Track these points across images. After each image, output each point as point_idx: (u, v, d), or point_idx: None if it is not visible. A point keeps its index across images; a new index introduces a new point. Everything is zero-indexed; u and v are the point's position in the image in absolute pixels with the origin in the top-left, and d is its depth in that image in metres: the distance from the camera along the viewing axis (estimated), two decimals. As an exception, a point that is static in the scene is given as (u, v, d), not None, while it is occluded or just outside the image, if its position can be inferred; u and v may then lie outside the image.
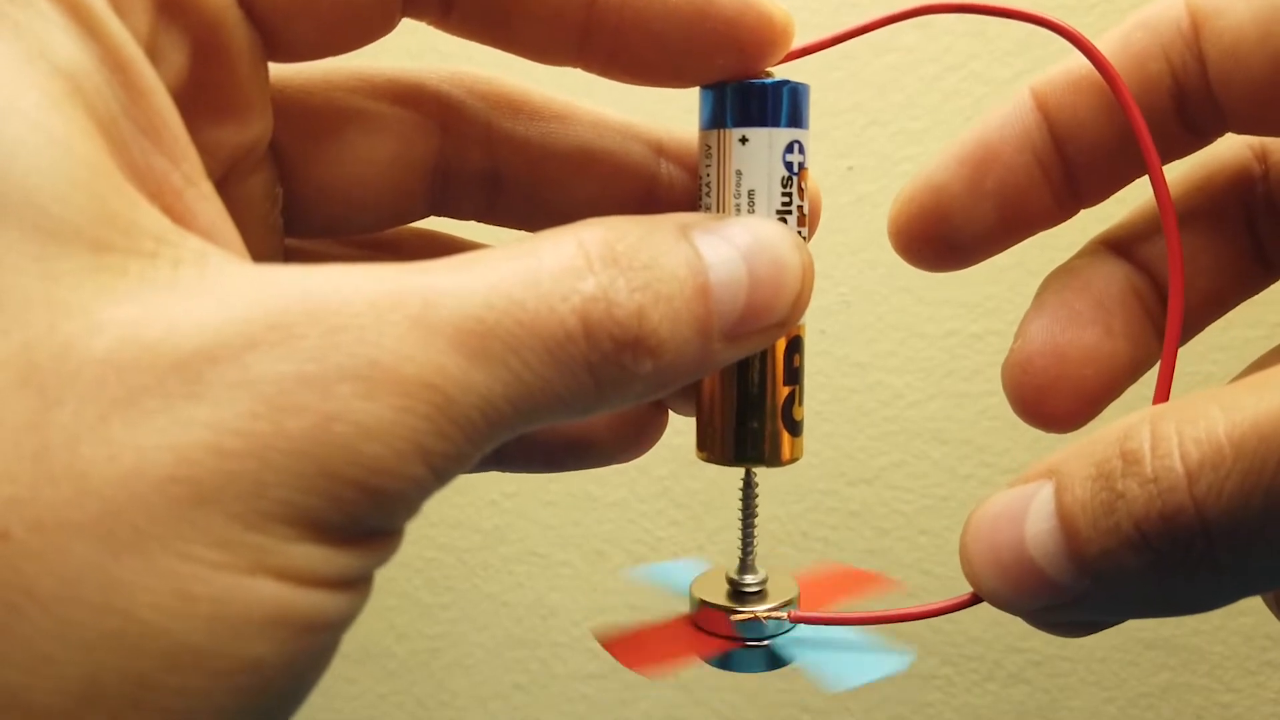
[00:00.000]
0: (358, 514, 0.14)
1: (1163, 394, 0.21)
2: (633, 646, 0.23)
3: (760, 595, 0.23)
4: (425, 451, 0.14)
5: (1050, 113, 0.21)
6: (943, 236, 0.22)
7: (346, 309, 0.13)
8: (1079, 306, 0.22)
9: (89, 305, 0.13)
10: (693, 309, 0.16)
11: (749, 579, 0.23)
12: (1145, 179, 0.22)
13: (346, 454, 0.13)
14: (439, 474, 0.14)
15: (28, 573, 0.12)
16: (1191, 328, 0.23)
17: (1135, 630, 0.47)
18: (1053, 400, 0.22)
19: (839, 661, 0.22)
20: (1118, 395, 0.22)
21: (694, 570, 0.24)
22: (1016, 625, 0.51)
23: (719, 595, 0.23)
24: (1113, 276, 0.23)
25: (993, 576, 0.18)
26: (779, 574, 0.23)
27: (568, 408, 0.16)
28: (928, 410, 0.49)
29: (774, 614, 0.22)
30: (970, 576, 0.19)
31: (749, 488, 0.23)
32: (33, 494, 0.12)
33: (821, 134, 0.46)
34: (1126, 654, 0.48)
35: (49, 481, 0.12)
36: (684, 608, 0.23)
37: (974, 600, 0.19)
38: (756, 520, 0.23)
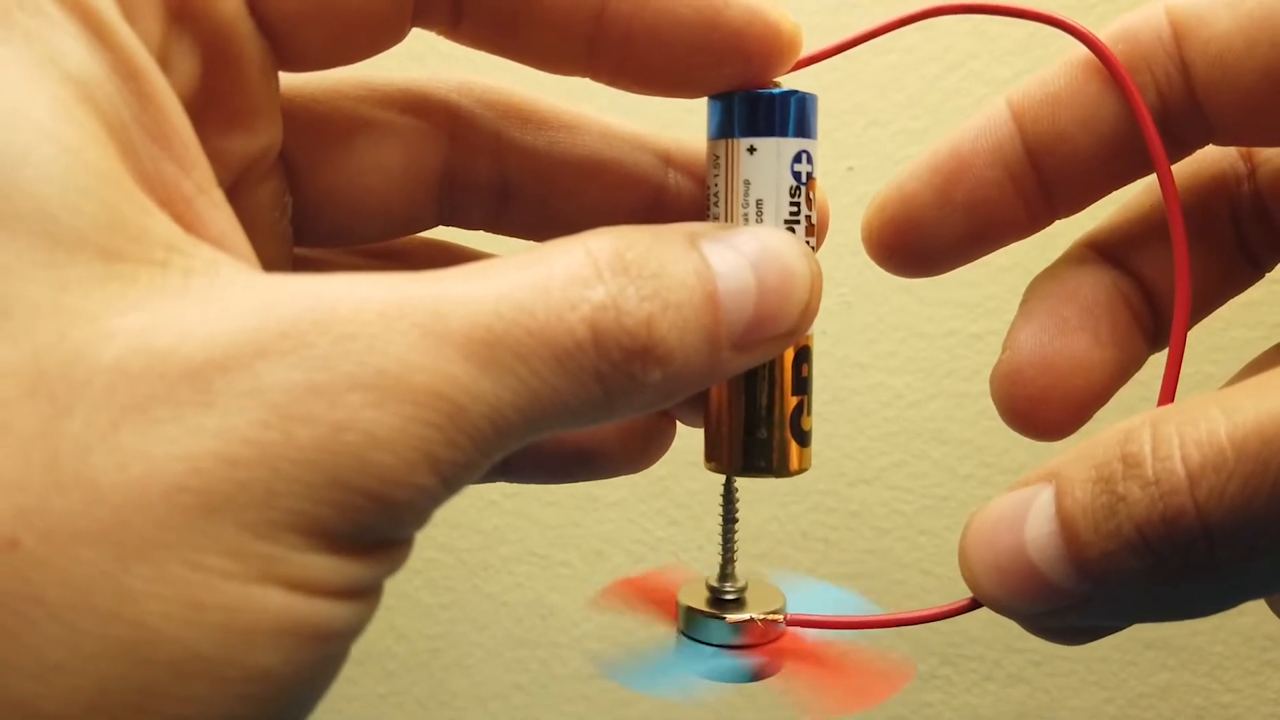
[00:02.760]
0: (367, 523, 0.14)
1: (1167, 397, 0.21)
2: (631, 588, 0.23)
3: (739, 603, 0.23)
4: (434, 460, 0.14)
5: (1026, 125, 0.21)
6: (912, 244, 0.22)
7: (356, 318, 0.13)
8: (1066, 314, 0.22)
9: (99, 313, 0.13)
10: (701, 318, 0.16)
11: (728, 586, 0.23)
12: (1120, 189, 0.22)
13: (356, 463, 0.13)
14: (448, 483, 0.14)
15: (37, 581, 0.12)
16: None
17: (1135, 630, 0.47)
18: (1043, 410, 0.22)
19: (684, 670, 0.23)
20: (1107, 401, 0.22)
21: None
22: (1016, 625, 0.51)
23: (699, 601, 0.23)
24: (1099, 281, 0.23)
25: (992, 581, 0.18)
26: (759, 583, 0.24)
27: (576, 417, 0.15)
28: (928, 410, 0.49)
29: (771, 617, 0.22)
30: (969, 581, 0.19)
31: (729, 495, 0.23)
32: (42, 503, 0.12)
33: (822, 135, 0.46)
34: (1126, 654, 0.48)
35: (59, 490, 0.12)
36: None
37: (973, 605, 0.19)
38: (737, 527, 0.24)
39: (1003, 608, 0.19)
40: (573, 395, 0.15)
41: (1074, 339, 0.22)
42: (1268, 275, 0.23)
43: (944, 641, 0.50)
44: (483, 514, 0.53)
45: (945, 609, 0.20)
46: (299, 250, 0.21)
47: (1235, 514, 0.15)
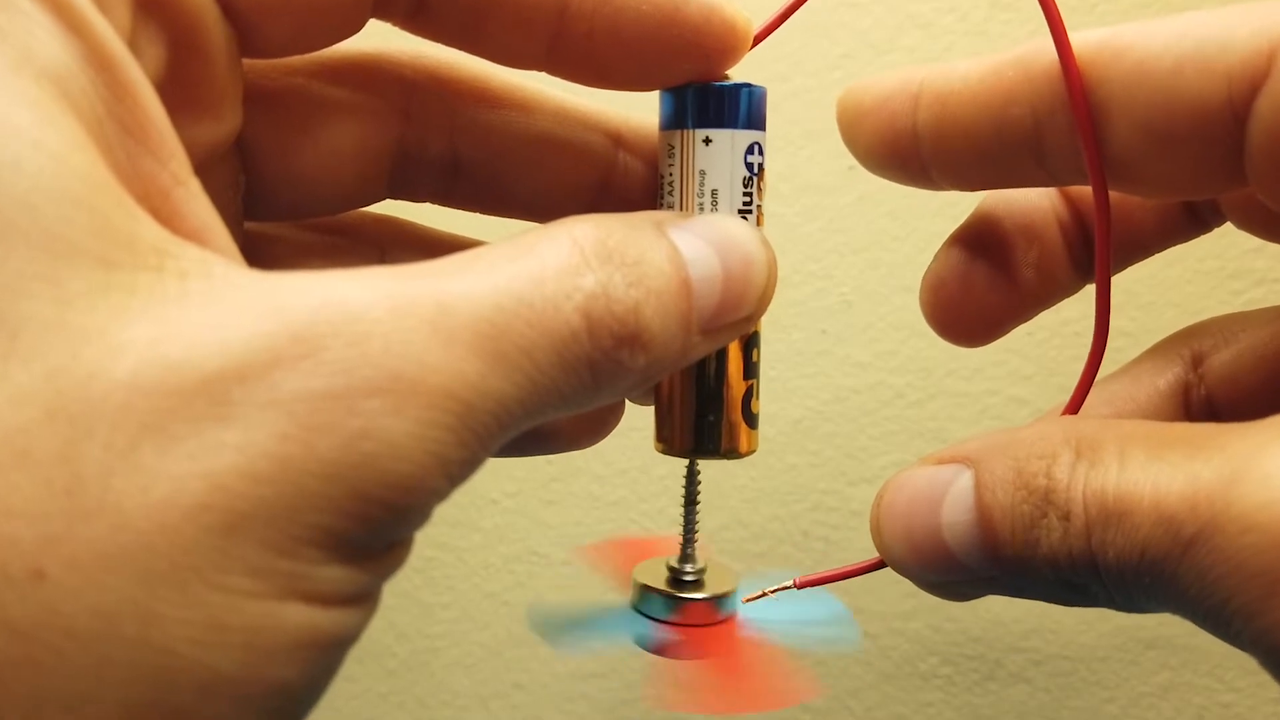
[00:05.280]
0: (383, 531, 0.14)
1: (1074, 407, 0.21)
2: (618, 550, 0.24)
3: (697, 584, 0.24)
4: (446, 463, 0.14)
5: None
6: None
7: (367, 316, 0.13)
8: (1000, 233, 0.23)
9: (106, 327, 0.12)
10: (678, 304, 0.17)
11: (688, 568, 0.24)
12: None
13: (376, 474, 0.13)
14: (454, 482, 0.14)
15: (66, 612, 0.12)
16: (1113, 267, 0.23)
17: (1136, 630, 0.47)
18: (960, 321, 0.23)
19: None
20: (1027, 319, 0.23)
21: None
22: (1018, 625, 0.51)
23: (659, 581, 0.24)
24: (1038, 206, 0.23)
25: (905, 552, 0.19)
26: (717, 565, 0.25)
27: (566, 404, 0.16)
28: (929, 410, 0.49)
29: (784, 588, 0.23)
30: (880, 548, 0.20)
31: (692, 478, 0.24)
32: (67, 531, 0.12)
33: (823, 134, 0.46)
34: (1127, 654, 0.48)
35: (83, 517, 0.12)
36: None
37: (880, 565, 0.21)
38: (699, 510, 0.24)
39: (909, 575, 0.20)
40: (566, 383, 0.15)
41: (997, 259, 0.23)
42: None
43: (945, 641, 0.50)
44: (483, 513, 0.53)
45: (854, 568, 0.23)
46: (248, 225, 0.21)
47: (1118, 566, 0.17)
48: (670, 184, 0.20)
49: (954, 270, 0.23)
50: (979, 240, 0.23)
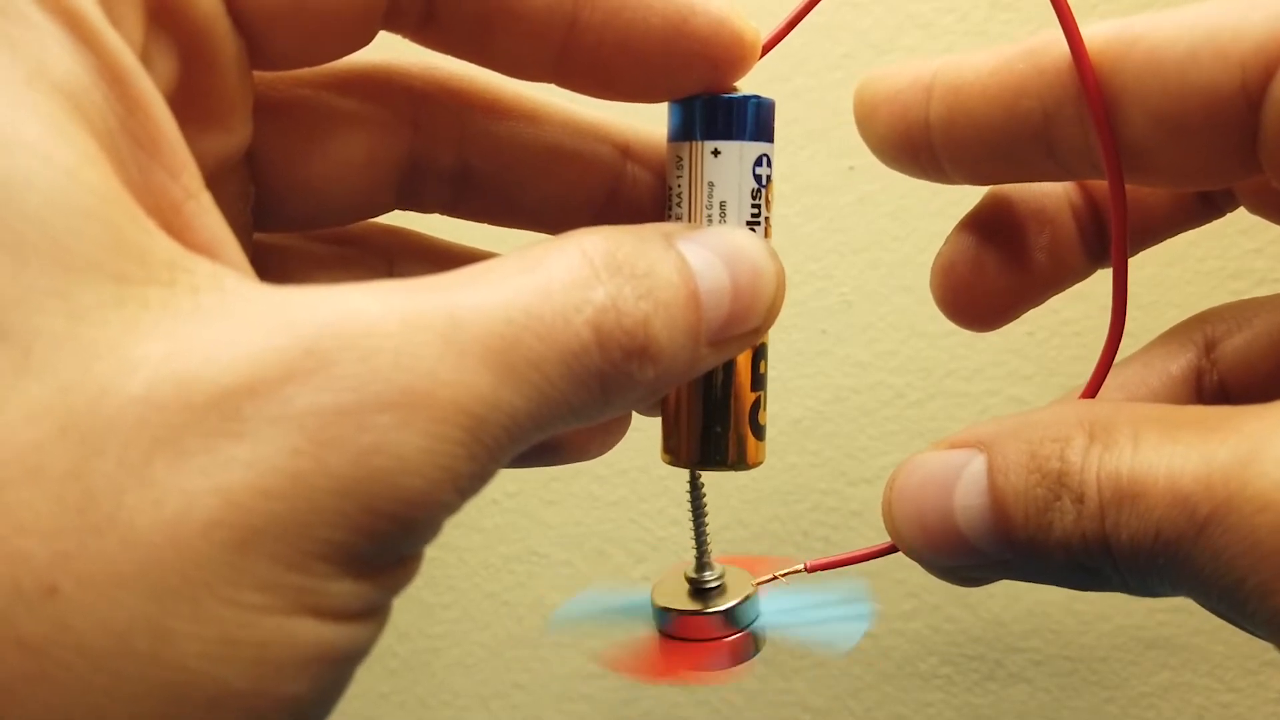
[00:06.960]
0: (393, 545, 0.14)
1: (1091, 390, 0.21)
2: (641, 661, 0.23)
3: (720, 590, 0.24)
4: (456, 477, 0.14)
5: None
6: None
7: (378, 330, 0.13)
8: (1012, 217, 0.23)
9: (118, 342, 0.12)
10: (687, 316, 0.17)
11: (707, 575, 0.24)
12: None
13: (387, 489, 0.13)
14: (465, 495, 0.14)
15: (78, 629, 0.12)
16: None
17: (1136, 630, 0.47)
18: (971, 304, 0.23)
19: (824, 626, 0.24)
20: (1038, 304, 0.23)
21: (607, 598, 0.25)
22: (1018, 625, 0.51)
23: (681, 598, 0.24)
24: (1050, 189, 0.23)
25: (917, 537, 0.19)
26: (731, 569, 0.25)
27: (576, 416, 0.16)
28: (928, 410, 0.49)
29: (793, 571, 0.23)
30: (892, 533, 0.20)
31: (696, 488, 0.24)
32: (79, 548, 0.12)
33: (822, 134, 0.46)
34: (1127, 654, 0.48)
35: (95, 533, 0.12)
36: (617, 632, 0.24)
37: (891, 550, 0.21)
38: (707, 518, 0.24)
39: (921, 560, 0.20)
40: (576, 396, 0.15)
41: (1009, 243, 0.23)
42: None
43: (944, 641, 0.50)
44: (483, 513, 0.53)
45: (865, 552, 0.23)
46: (257, 236, 0.21)
47: (1132, 547, 0.17)
48: (678, 195, 0.20)
49: (965, 253, 0.23)
50: (991, 224, 0.23)
